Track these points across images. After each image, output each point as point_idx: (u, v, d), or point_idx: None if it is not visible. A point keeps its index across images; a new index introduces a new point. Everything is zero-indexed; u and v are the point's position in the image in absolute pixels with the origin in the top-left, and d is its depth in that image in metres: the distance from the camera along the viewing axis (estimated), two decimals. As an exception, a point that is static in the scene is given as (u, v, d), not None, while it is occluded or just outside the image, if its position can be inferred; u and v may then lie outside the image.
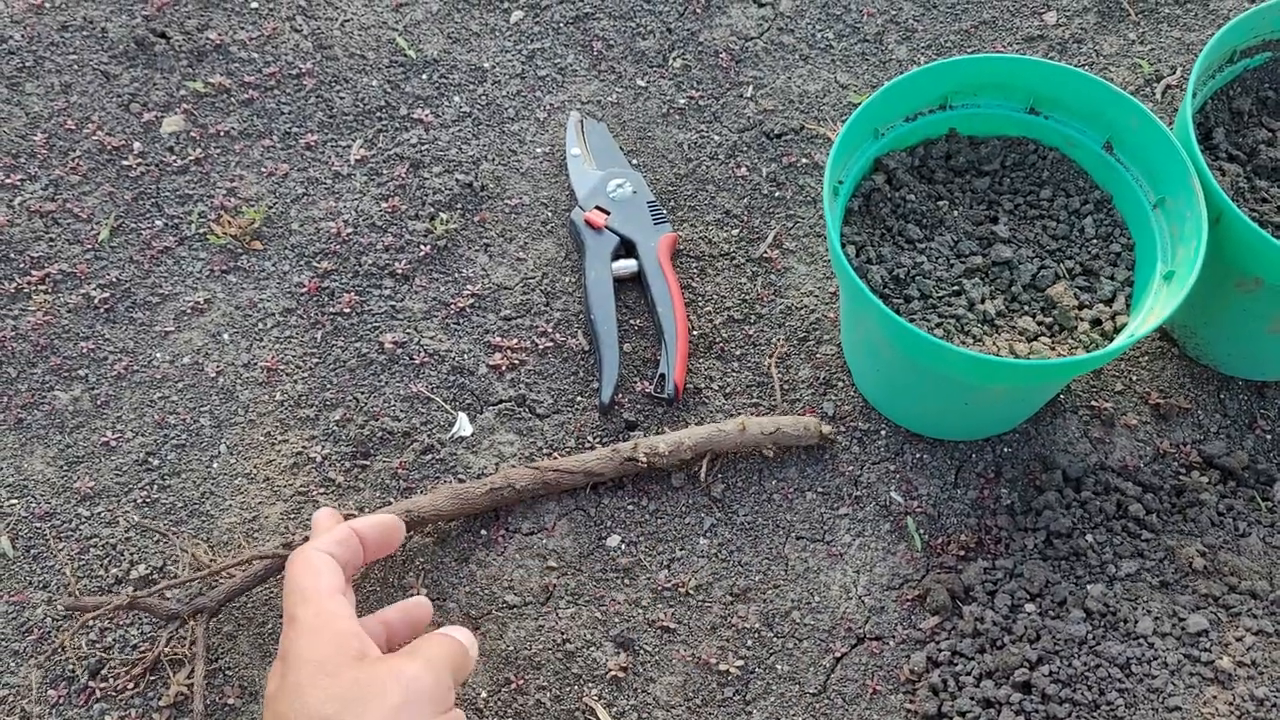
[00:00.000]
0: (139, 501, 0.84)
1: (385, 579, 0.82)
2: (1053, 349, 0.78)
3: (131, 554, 0.82)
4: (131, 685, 0.77)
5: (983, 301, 0.80)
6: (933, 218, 0.84)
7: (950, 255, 0.82)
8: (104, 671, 0.78)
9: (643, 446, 0.83)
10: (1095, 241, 0.83)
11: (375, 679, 0.60)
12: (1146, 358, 0.92)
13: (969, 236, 0.83)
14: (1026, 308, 0.81)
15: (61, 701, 0.77)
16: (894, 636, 0.81)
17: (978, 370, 0.72)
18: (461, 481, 0.85)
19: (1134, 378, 0.91)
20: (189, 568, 0.78)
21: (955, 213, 0.84)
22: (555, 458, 0.86)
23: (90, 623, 0.79)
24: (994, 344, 0.78)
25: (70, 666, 0.78)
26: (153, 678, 0.78)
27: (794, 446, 0.86)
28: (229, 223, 0.94)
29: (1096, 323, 0.79)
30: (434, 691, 0.61)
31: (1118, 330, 0.78)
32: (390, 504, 0.83)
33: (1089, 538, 0.81)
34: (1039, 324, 0.80)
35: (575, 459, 0.83)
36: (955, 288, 0.81)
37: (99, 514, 0.84)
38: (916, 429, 0.88)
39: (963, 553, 0.83)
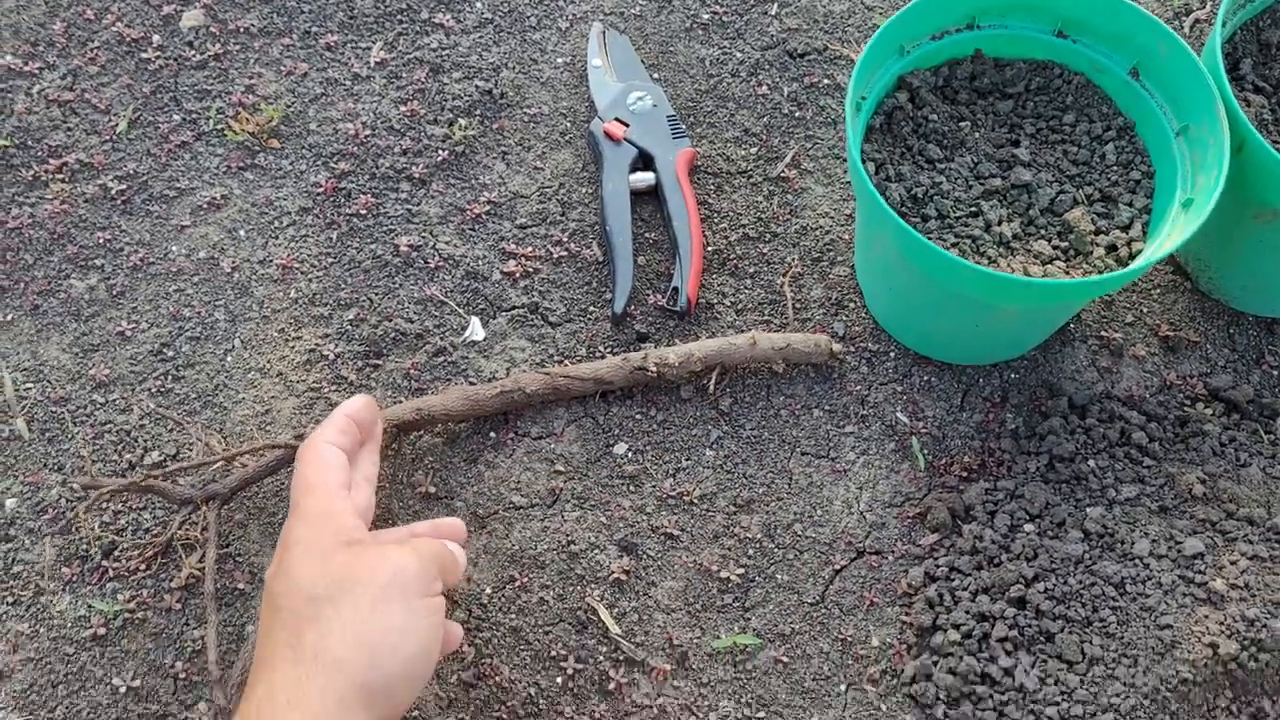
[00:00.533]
0: (153, 390, 0.85)
1: (395, 475, 0.83)
2: (1067, 273, 0.78)
3: (145, 440, 0.83)
4: (144, 566, 0.79)
5: (1000, 224, 0.80)
6: (954, 138, 0.83)
7: (969, 176, 0.82)
8: (116, 552, 0.79)
9: (653, 357, 0.84)
10: (1115, 168, 0.83)
11: (364, 562, 0.62)
12: (1158, 290, 0.92)
13: (989, 159, 0.83)
14: (1043, 231, 0.81)
15: (75, 579, 0.79)
16: (893, 551, 0.82)
17: (991, 288, 0.72)
18: (472, 384, 0.86)
19: (1144, 309, 0.91)
20: (202, 454, 0.79)
21: (977, 134, 0.84)
22: (566, 365, 0.86)
23: (104, 505, 0.81)
24: (1009, 266, 0.78)
25: (84, 546, 0.80)
26: (164, 560, 0.79)
27: (803, 364, 0.87)
28: (247, 120, 0.94)
29: (1112, 249, 0.79)
30: (420, 576, 0.63)
31: (1133, 257, 0.78)
32: (401, 403, 0.84)
33: (1091, 463, 0.82)
34: (1054, 248, 0.80)
35: (586, 366, 0.84)
36: (973, 209, 0.81)
37: (114, 401, 0.85)
38: (925, 351, 0.88)
39: (965, 474, 0.84)
